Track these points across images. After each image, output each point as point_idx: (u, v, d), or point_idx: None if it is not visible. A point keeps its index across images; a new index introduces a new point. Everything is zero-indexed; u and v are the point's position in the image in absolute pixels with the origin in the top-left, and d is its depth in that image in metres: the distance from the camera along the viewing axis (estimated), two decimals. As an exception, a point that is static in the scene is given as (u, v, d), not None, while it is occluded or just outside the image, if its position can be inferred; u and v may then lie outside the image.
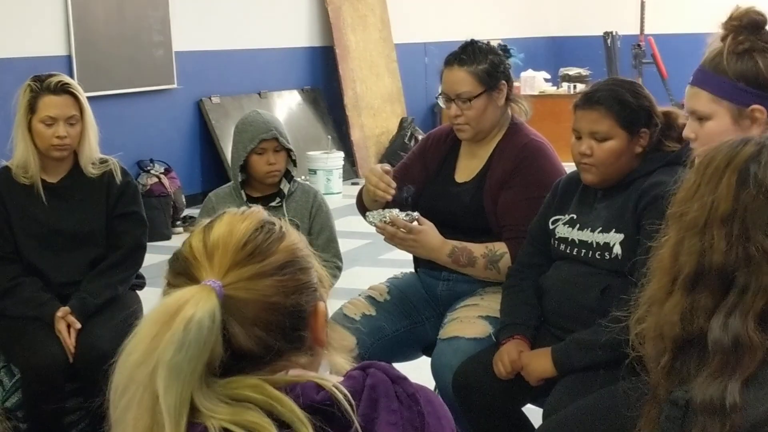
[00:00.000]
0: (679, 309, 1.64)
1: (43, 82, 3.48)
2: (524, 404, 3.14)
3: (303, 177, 9.92)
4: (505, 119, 3.44)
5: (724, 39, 2.41)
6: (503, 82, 3.38)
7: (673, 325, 1.64)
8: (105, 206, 3.59)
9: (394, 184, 3.34)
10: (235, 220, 1.46)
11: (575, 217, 3.02)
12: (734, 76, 2.37)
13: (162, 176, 8.43)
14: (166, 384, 1.31)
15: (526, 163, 3.33)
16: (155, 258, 7.35)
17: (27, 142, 3.49)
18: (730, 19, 2.40)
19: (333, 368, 1.48)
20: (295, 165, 3.63)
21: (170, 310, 1.34)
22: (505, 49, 3.51)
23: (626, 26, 13.39)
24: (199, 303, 1.34)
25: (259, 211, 1.49)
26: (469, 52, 3.37)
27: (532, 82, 11.49)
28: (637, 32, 13.37)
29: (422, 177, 3.51)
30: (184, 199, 8.63)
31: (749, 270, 1.59)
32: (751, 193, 1.61)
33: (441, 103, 3.45)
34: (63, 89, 3.48)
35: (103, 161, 3.62)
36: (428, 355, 3.35)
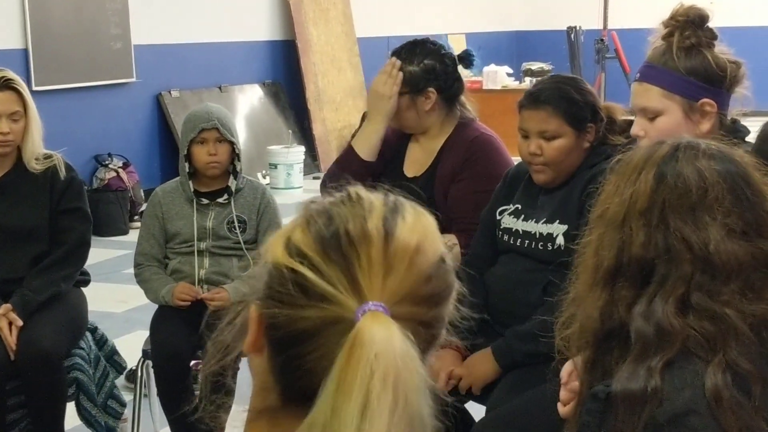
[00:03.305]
0: (599, 303, 1.63)
1: (-15, 79, 3.44)
2: (466, 401, 3.13)
3: (264, 171, 9.88)
4: (450, 118, 3.44)
5: (669, 36, 2.45)
6: (431, 90, 3.37)
7: (593, 319, 1.63)
8: (48, 202, 3.54)
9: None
10: (426, 233, 1.18)
11: (520, 207, 3.03)
12: (685, 71, 2.42)
13: (120, 170, 8.39)
14: None
15: (476, 156, 3.35)
16: (111, 253, 7.36)
17: (-31, 138, 3.45)
18: (676, 15, 2.44)
19: None
20: (239, 160, 3.60)
21: (387, 372, 1.01)
22: (465, 56, 3.48)
23: (590, 21, 13.42)
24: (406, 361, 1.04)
25: (441, 238, 1.22)
26: (407, 50, 3.38)
27: (495, 76, 11.48)
28: (601, 27, 13.41)
29: (381, 162, 3.51)
30: (142, 194, 8.57)
31: (669, 258, 1.60)
32: (670, 183, 1.62)
33: None
34: (5, 85, 3.44)
35: (47, 156, 3.58)
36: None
